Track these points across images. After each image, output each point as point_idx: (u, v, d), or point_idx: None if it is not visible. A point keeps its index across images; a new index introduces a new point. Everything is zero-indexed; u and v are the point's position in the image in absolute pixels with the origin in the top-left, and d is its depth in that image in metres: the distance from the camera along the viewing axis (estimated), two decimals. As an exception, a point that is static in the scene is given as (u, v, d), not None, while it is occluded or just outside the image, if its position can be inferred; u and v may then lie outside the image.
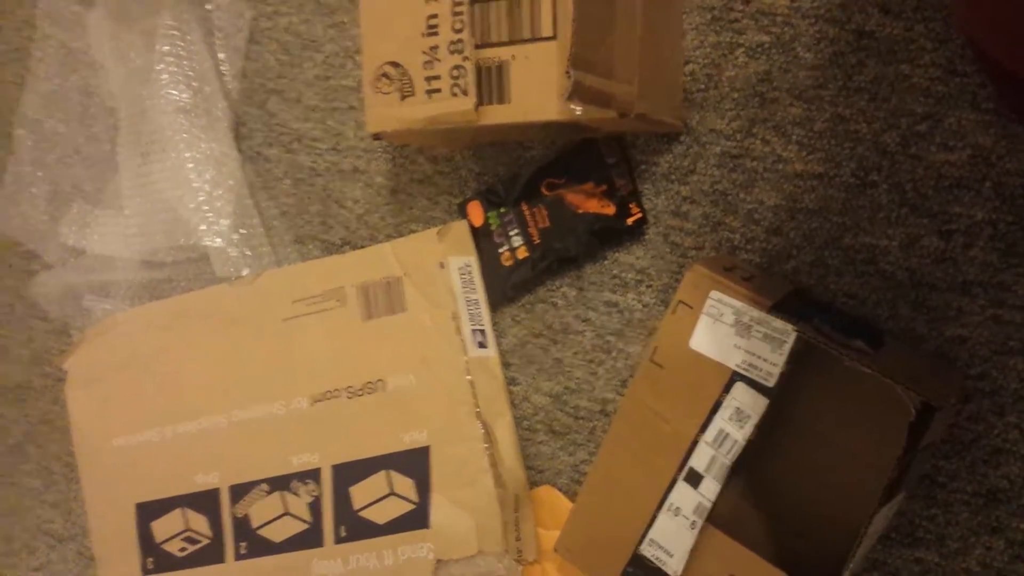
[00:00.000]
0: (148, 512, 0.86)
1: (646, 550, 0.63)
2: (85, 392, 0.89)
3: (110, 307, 0.91)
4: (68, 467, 1.09)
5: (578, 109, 0.58)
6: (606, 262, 0.74)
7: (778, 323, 0.59)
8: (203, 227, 0.85)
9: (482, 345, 0.78)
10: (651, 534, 0.63)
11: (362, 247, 0.84)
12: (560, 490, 0.78)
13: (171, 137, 0.86)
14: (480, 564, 0.77)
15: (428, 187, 0.82)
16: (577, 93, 0.57)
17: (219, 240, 0.84)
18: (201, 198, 0.84)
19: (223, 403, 0.84)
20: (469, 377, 0.77)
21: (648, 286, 0.73)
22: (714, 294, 0.61)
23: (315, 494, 0.80)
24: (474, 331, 0.78)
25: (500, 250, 0.77)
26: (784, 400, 0.58)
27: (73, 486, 1.09)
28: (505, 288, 0.77)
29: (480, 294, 0.78)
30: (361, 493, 0.79)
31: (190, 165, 0.85)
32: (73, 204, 1.01)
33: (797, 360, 0.58)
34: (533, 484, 0.79)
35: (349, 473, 0.80)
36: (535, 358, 0.78)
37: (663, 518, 0.63)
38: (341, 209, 0.86)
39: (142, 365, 0.87)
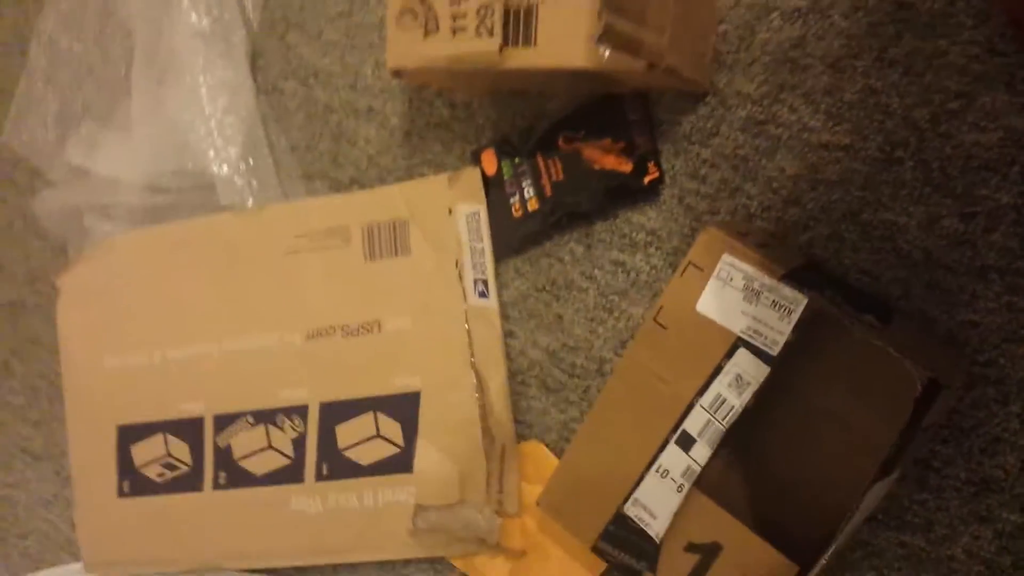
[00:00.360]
0: (129, 435, 0.85)
1: (630, 510, 0.62)
2: (77, 310, 0.87)
3: (110, 229, 0.90)
4: (53, 387, 1.07)
5: (607, 53, 0.56)
6: (617, 220, 0.73)
7: (788, 291, 0.57)
8: (211, 153, 0.83)
9: (483, 295, 0.76)
10: (636, 494, 0.62)
11: (371, 188, 0.82)
12: (548, 447, 0.76)
13: (187, 61, 0.84)
14: (460, 513, 0.75)
15: (443, 132, 0.80)
16: (607, 36, 0.55)
17: (226, 168, 0.82)
18: (212, 124, 0.83)
19: (215, 331, 0.82)
20: (467, 326, 0.75)
21: (657, 248, 0.71)
22: (726, 257, 0.60)
23: (300, 430, 0.79)
24: (476, 280, 0.76)
25: (511, 201, 0.75)
26: (785, 370, 0.57)
27: (56, 406, 1.07)
28: (512, 239, 0.75)
29: (486, 243, 0.76)
30: (347, 433, 0.78)
31: (204, 90, 0.83)
32: (82, 124, 0.99)
33: (802, 331, 0.56)
34: (521, 438, 0.77)
35: (337, 412, 0.78)
36: (535, 312, 0.76)
37: (650, 479, 0.61)
38: (352, 148, 0.84)
39: (137, 288, 0.85)
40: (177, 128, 0.87)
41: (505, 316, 0.77)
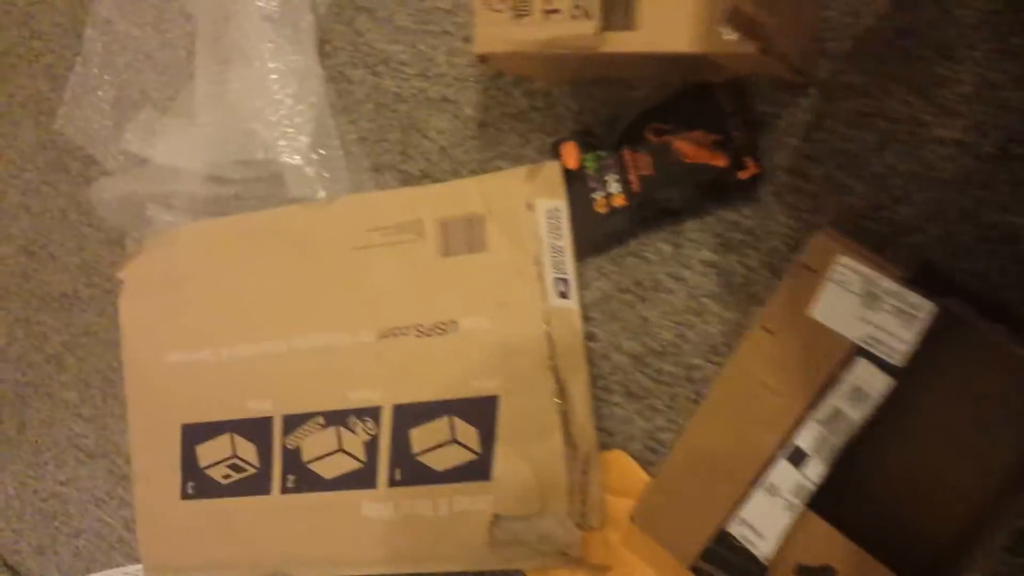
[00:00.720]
0: (194, 434, 0.82)
1: (734, 528, 0.58)
2: (140, 304, 0.85)
3: (172, 219, 0.87)
4: (107, 382, 1.05)
5: (733, 36, 0.52)
6: (710, 218, 0.69)
7: (914, 297, 0.53)
8: (282, 143, 0.79)
9: (564, 295, 0.72)
10: (741, 512, 0.58)
11: (442, 181, 0.79)
12: (632, 457, 0.72)
13: (255, 46, 0.81)
14: (540, 524, 0.72)
15: (521, 123, 0.76)
16: (734, 18, 0.51)
17: (297, 158, 0.79)
18: (282, 112, 0.79)
19: (284, 329, 0.79)
20: (547, 327, 0.72)
21: (754, 248, 0.67)
22: (843, 259, 0.56)
23: (372, 433, 0.76)
24: (557, 279, 0.72)
25: (594, 196, 0.71)
26: (907, 382, 0.52)
27: (110, 402, 1.05)
28: (595, 237, 0.71)
29: (567, 241, 0.72)
30: (421, 437, 0.75)
31: (273, 76, 0.80)
32: (141, 110, 0.96)
33: (926, 340, 0.52)
34: (603, 447, 0.73)
35: (410, 415, 0.75)
36: (619, 314, 0.72)
37: (758, 496, 0.57)
38: (424, 139, 0.80)
39: (202, 281, 0.82)
40: (242, 116, 0.84)
41: (587, 318, 0.73)
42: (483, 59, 0.63)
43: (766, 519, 0.57)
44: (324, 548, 0.78)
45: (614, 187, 0.70)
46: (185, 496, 0.82)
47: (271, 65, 0.81)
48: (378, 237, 0.76)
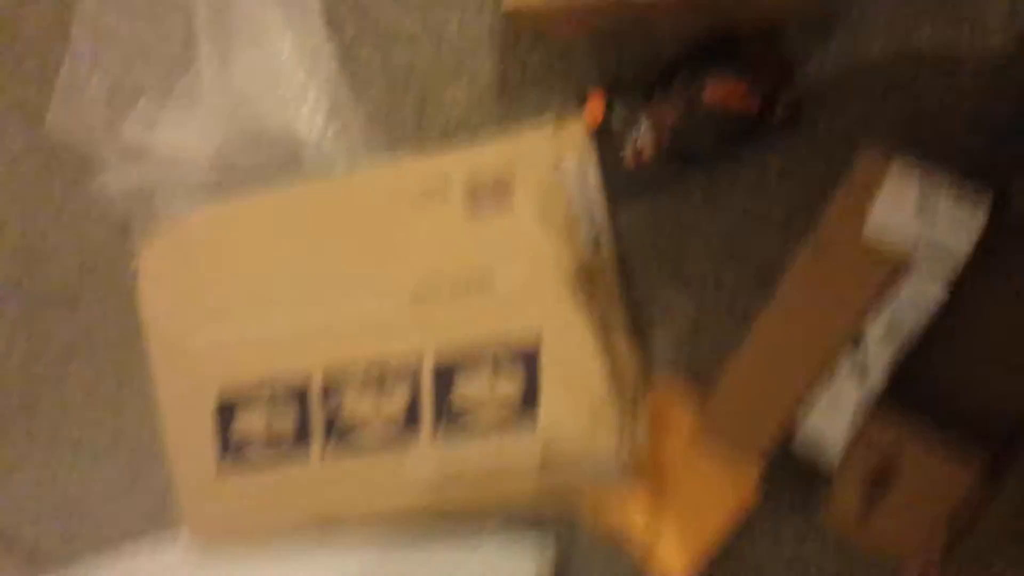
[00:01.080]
0: (228, 410, 0.80)
1: (800, 432, 0.59)
2: (160, 288, 0.83)
3: (181, 206, 0.85)
4: (118, 377, 1.03)
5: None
6: (743, 164, 0.69)
7: (967, 200, 0.54)
8: (297, 122, 0.78)
9: (597, 248, 0.73)
10: (808, 417, 0.59)
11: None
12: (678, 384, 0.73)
13: (262, 27, 0.80)
14: (590, 463, 0.72)
15: (540, 87, 0.76)
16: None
17: (314, 135, 0.78)
18: (295, 91, 0.78)
19: (315, 299, 0.78)
20: (582, 280, 0.72)
21: (790, 187, 0.68)
22: (893, 170, 0.57)
23: (412, 391, 0.75)
24: (589, 234, 0.73)
25: (623, 150, 0.71)
26: (964, 287, 0.54)
27: (124, 392, 1.02)
28: (626, 190, 0.72)
29: (597, 196, 0.73)
30: (463, 391, 0.74)
31: (284, 56, 0.79)
32: (139, 102, 0.94)
33: (980, 245, 0.54)
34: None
35: (451, 371, 0.74)
36: (655, 263, 0.73)
37: (823, 401, 0.59)
38: (439, 111, 0.80)
39: (224, 260, 0.81)
40: (251, 98, 0.83)
41: (622, 269, 0.74)
42: (512, 14, 0.63)
43: (832, 422, 0.58)
44: (365, 510, 0.77)
45: (643, 139, 0.70)
46: (223, 471, 0.80)
47: (280, 45, 0.80)
48: (403, 204, 0.75)
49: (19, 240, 1.08)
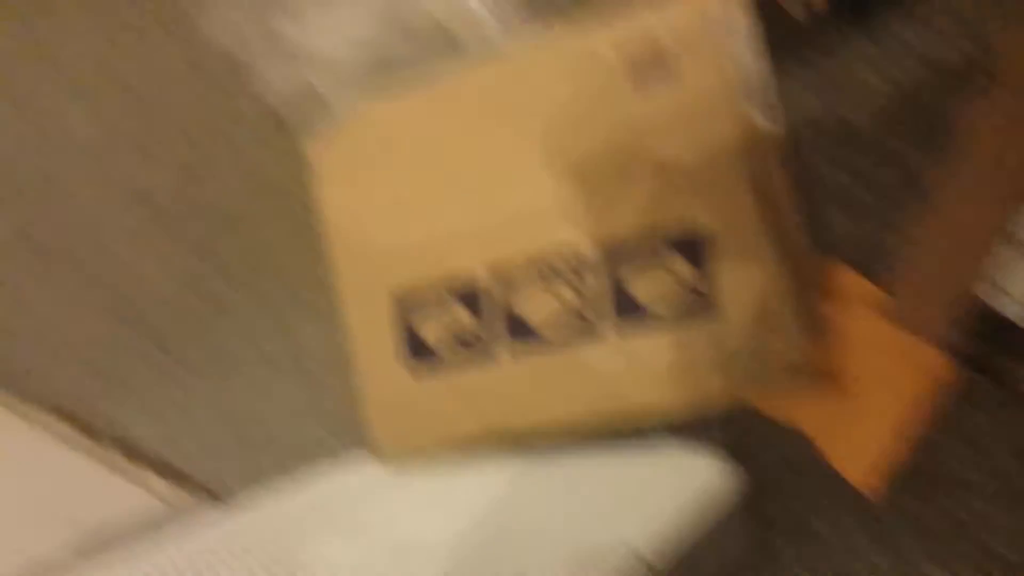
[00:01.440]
0: (409, 307, 0.81)
1: (990, 299, 0.55)
2: (338, 185, 0.84)
3: (340, 104, 0.85)
4: (291, 294, 1.03)
5: None
6: (918, 10, 0.64)
7: None
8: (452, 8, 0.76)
9: (768, 119, 0.69)
10: (996, 279, 0.55)
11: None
12: (851, 266, 0.70)
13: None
14: (767, 346, 0.69)
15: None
16: None
17: (468, 15, 0.76)
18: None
19: (489, 189, 0.77)
20: (753, 153, 0.68)
21: (965, 37, 0.63)
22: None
23: (591, 285, 0.74)
24: (760, 104, 0.69)
25: (791, 4, 0.67)
26: None
27: (299, 311, 1.03)
28: (796, 45, 0.68)
29: (767, 60, 0.68)
30: (637, 280, 0.73)
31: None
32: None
33: None
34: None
35: (623, 258, 0.73)
36: (827, 128, 0.69)
37: (1011, 261, 0.54)
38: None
39: (393, 157, 0.81)
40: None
41: (791, 133, 0.70)
42: None
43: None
44: (558, 409, 0.76)
45: (811, -8, 0.66)
46: (412, 374, 0.81)
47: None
48: (566, 81, 0.73)
49: (187, 158, 1.09)
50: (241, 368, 1.09)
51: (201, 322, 1.11)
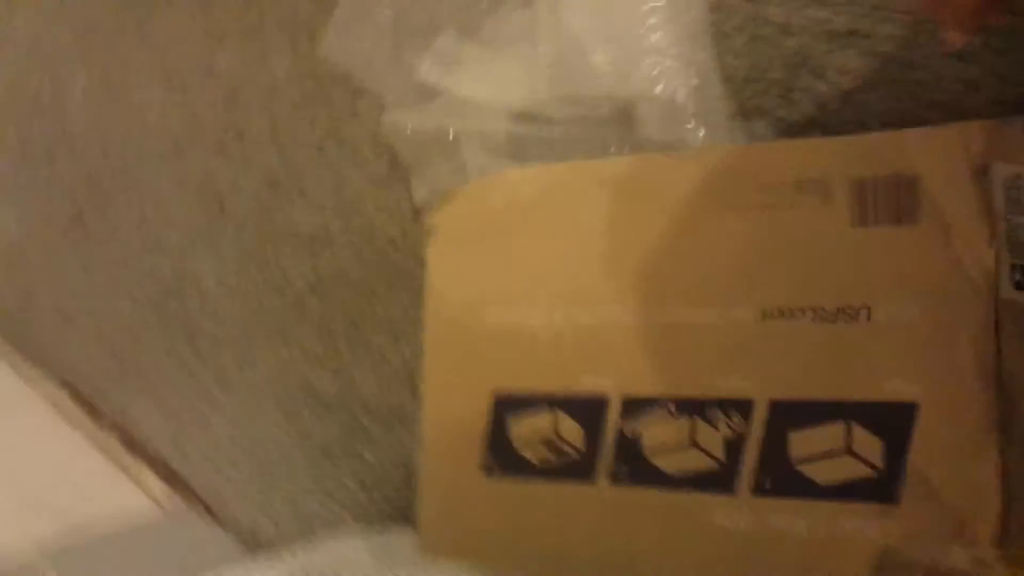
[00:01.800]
0: (508, 405, 0.67)
1: None
2: (454, 251, 0.71)
3: (484, 160, 0.71)
4: (356, 331, 0.92)
5: None
6: None
7: None
8: (634, 77, 0.63)
9: (1019, 286, 0.54)
10: None
11: (843, 135, 0.61)
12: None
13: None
14: (947, 558, 0.54)
15: (964, 64, 0.58)
16: None
17: (664, 94, 0.62)
18: (648, 38, 0.63)
19: (635, 296, 0.63)
20: (995, 327, 0.54)
21: None
22: None
23: (739, 430, 0.59)
24: (1014, 267, 0.54)
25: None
26: None
27: (358, 352, 0.92)
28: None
29: (1029, 219, 0.54)
30: (804, 442, 0.59)
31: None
32: (436, 36, 0.81)
33: None
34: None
35: (793, 414, 0.59)
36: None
37: None
38: (817, 80, 0.63)
39: (534, 231, 0.67)
40: (581, 46, 0.68)
41: (1043, 316, 0.55)
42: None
43: None
44: (655, 554, 0.63)
45: None
46: (488, 473, 0.67)
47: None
48: (768, 198, 0.60)
49: (274, 169, 0.98)
50: (278, 393, 0.99)
51: (247, 337, 0.99)
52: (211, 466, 1.07)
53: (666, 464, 0.62)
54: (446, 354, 0.71)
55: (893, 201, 0.57)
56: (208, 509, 1.09)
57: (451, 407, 0.70)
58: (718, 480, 0.61)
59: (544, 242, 0.67)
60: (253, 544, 1.02)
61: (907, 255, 0.57)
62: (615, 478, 0.64)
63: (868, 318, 0.57)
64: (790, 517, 0.59)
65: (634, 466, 0.63)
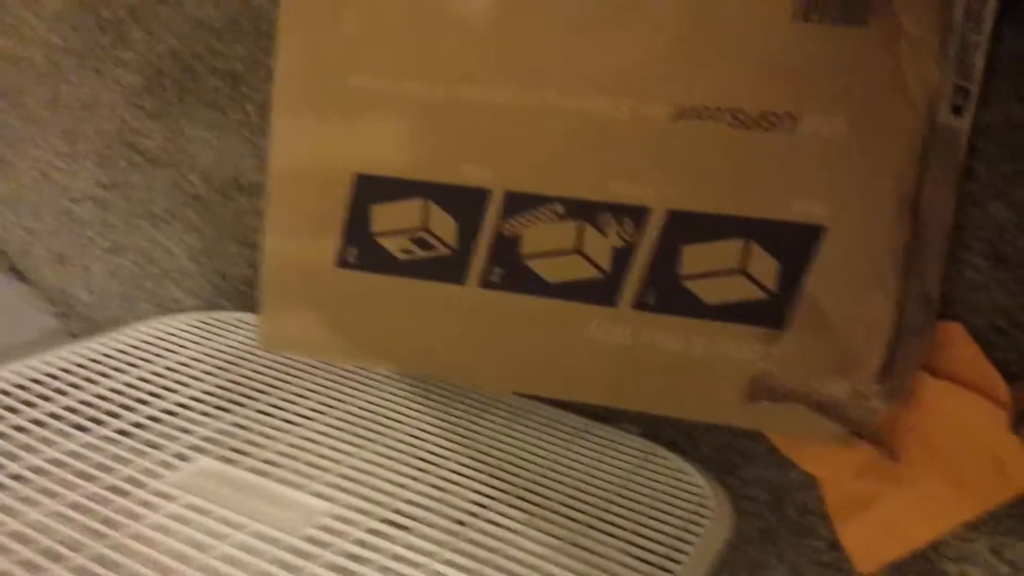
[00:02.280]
0: (372, 190, 0.59)
1: None
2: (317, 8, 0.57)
3: None
4: (190, 76, 0.80)
5: None
6: None
7: None
8: None
9: (958, 110, 0.50)
10: None
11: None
12: (972, 334, 0.54)
13: None
14: (825, 389, 0.54)
15: None
16: None
17: None
18: None
19: (532, 75, 0.54)
20: (922, 149, 0.50)
21: None
22: None
23: (630, 239, 0.54)
24: (956, 88, 0.49)
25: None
26: None
27: (190, 103, 0.80)
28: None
29: (984, 36, 0.49)
30: (697, 257, 0.54)
31: None
32: None
33: None
34: (939, 316, 0.54)
35: (690, 227, 0.54)
36: (1022, 153, 0.51)
37: None
38: None
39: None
40: None
41: (972, 149, 0.52)
42: None
43: None
44: (522, 363, 0.59)
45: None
46: (342, 264, 0.60)
47: None
48: None
49: None
50: (91, 136, 0.86)
51: (54, 64, 0.85)
52: (18, 221, 0.94)
53: (545, 270, 0.57)
54: (300, 122, 0.60)
55: (842, -2, 0.50)
56: (17, 271, 0.97)
57: (304, 187, 0.60)
58: (599, 291, 0.56)
59: (431, 5, 0.56)
60: (67, 309, 0.92)
61: (847, 62, 0.50)
62: (487, 282, 0.58)
63: (792, 129, 0.51)
64: (668, 334, 0.56)
65: (510, 270, 0.57)
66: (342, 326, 0.62)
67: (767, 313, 0.54)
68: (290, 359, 0.64)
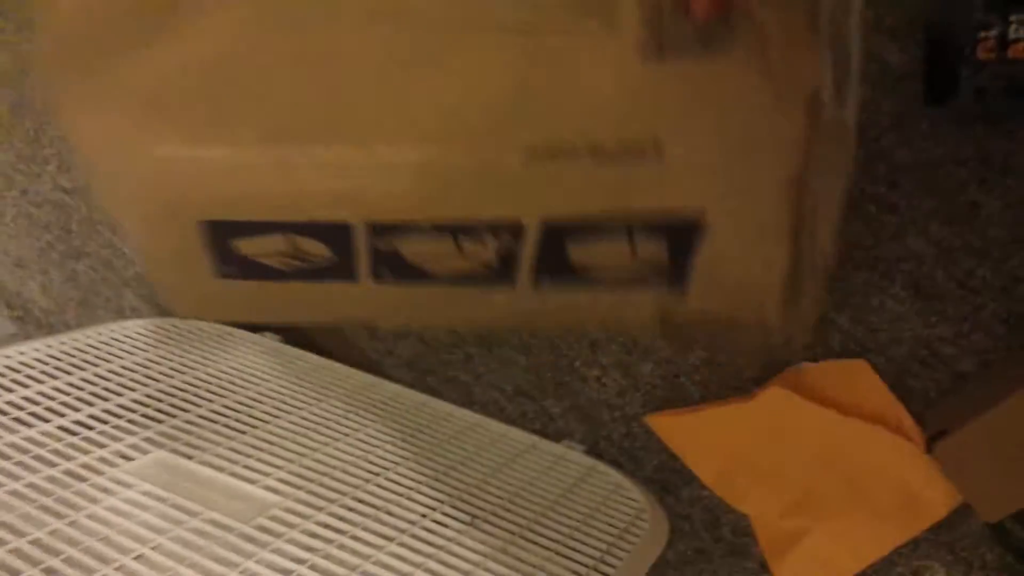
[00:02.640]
0: (224, 230, 0.58)
1: None
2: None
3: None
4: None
5: None
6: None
7: None
8: None
9: (839, 104, 0.49)
10: None
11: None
12: (891, 363, 0.58)
13: None
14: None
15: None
16: None
17: None
18: None
19: (360, 131, 0.52)
20: (806, 141, 0.49)
21: None
22: None
23: (510, 247, 0.56)
24: (836, 78, 0.48)
25: (981, 34, 0.52)
26: None
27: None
28: (962, 92, 0.53)
29: (855, 18, 0.48)
30: (584, 253, 0.55)
31: None
32: None
33: None
34: (861, 346, 0.59)
35: (569, 231, 0.55)
36: (939, 189, 0.56)
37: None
38: None
39: (220, 45, 0.50)
40: None
41: (893, 183, 0.57)
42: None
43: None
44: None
45: (1019, 31, 0.51)
46: (223, 276, 0.61)
47: None
48: (543, 21, 0.48)
49: None
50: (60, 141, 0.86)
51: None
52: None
53: (432, 267, 0.57)
54: (126, 184, 0.58)
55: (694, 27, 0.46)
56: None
57: (154, 229, 0.61)
58: (490, 277, 0.57)
59: (235, 63, 0.50)
60: (24, 314, 0.93)
61: (713, 92, 0.48)
62: (378, 277, 0.58)
63: (659, 159, 0.49)
64: (574, 296, 0.58)
65: (396, 268, 0.57)
66: (244, 311, 0.65)
67: (666, 282, 0.56)
68: (246, 365, 0.66)
